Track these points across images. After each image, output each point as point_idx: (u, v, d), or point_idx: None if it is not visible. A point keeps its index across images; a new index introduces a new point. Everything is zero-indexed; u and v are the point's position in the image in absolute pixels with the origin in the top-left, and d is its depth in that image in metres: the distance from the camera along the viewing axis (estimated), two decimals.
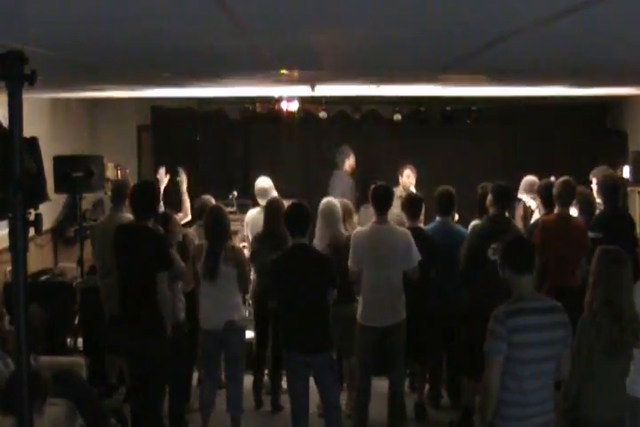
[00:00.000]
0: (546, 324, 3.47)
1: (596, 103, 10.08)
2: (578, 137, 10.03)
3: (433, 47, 3.46)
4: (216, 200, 6.51)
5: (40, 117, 7.27)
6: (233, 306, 5.33)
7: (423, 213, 6.22)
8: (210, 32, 2.86)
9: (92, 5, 2.25)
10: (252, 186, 6.91)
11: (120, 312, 5.16)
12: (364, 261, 5.26)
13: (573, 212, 6.09)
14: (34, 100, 6.87)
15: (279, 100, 9.54)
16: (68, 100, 8.21)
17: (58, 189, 6.74)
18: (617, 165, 8.12)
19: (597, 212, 6.13)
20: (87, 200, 7.50)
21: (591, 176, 6.75)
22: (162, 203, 6.81)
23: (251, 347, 6.24)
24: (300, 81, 5.72)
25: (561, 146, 9.98)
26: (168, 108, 10.20)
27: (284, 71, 4.68)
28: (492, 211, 5.56)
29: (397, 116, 10.00)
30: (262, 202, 6.42)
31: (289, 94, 9.02)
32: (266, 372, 6.21)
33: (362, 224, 6.09)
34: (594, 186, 6.46)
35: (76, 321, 6.73)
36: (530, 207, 6.85)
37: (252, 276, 6.05)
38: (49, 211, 6.82)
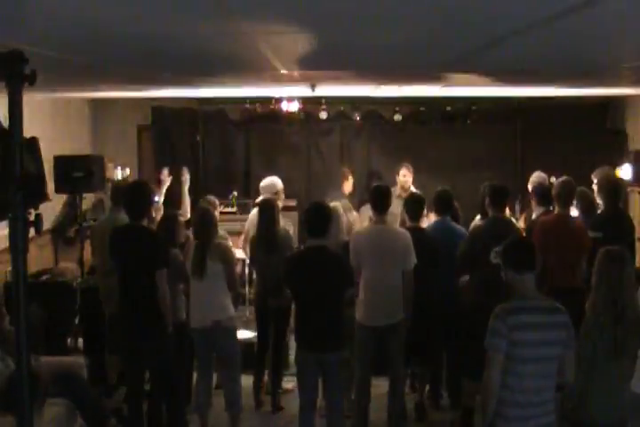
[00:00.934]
0: (546, 323, 3.46)
1: (596, 103, 10.08)
2: (578, 137, 10.02)
3: (433, 47, 3.46)
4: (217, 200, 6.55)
5: (40, 117, 7.26)
6: (220, 306, 5.32)
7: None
8: (210, 32, 2.86)
9: (92, 5, 2.25)
10: (252, 186, 6.93)
11: (120, 312, 5.16)
12: (362, 261, 5.26)
13: (574, 212, 6.11)
14: (34, 100, 6.87)
15: (279, 100, 9.54)
16: (68, 100, 8.21)
17: (58, 189, 6.73)
18: (617, 165, 8.12)
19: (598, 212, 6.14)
20: (87, 200, 7.50)
21: (592, 176, 6.76)
22: (164, 203, 6.85)
23: (251, 347, 6.24)
24: (301, 81, 5.72)
25: (561, 146, 9.97)
26: (168, 108, 10.20)
27: (284, 71, 4.68)
28: (490, 212, 5.56)
29: (397, 116, 10.01)
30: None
31: (289, 94, 9.02)
32: (266, 372, 6.21)
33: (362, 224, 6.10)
34: (594, 186, 6.46)
35: (76, 321, 6.73)
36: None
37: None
38: (49, 211, 6.82)
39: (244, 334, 6.68)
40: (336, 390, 4.93)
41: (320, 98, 9.28)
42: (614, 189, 6.04)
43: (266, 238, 5.89)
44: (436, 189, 6.18)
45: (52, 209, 7.14)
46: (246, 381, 5.85)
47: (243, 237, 6.70)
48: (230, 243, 6.13)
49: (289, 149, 10.53)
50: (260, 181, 7.05)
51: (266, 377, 6.22)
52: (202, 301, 5.33)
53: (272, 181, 6.82)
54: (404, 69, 4.90)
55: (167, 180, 6.98)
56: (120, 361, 5.64)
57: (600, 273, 4.00)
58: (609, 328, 3.87)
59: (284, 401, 6.08)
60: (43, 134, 2.85)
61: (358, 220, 6.90)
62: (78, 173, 6.81)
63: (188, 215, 6.62)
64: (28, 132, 2.31)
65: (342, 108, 10.27)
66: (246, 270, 7.51)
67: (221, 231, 6.03)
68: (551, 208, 5.94)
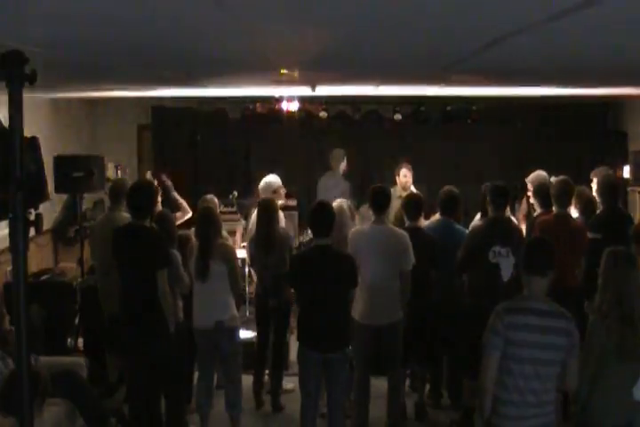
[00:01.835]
0: (544, 327, 3.45)
1: (596, 103, 10.08)
2: (578, 137, 10.03)
3: (433, 47, 3.46)
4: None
5: (40, 117, 7.26)
6: (222, 306, 5.31)
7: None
8: (210, 32, 2.86)
9: (92, 5, 2.25)
10: (252, 186, 6.92)
11: (121, 312, 5.16)
12: (361, 260, 5.26)
13: (574, 212, 6.10)
14: (34, 100, 6.87)
15: (279, 100, 9.55)
16: (68, 100, 8.21)
17: (58, 189, 6.73)
18: (617, 165, 8.12)
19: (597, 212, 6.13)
20: (87, 200, 7.50)
21: (592, 176, 6.76)
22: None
23: (251, 347, 6.24)
24: (301, 81, 5.72)
25: (561, 146, 9.98)
26: (168, 108, 10.21)
27: (284, 71, 4.68)
28: (490, 212, 5.56)
29: (397, 116, 10.02)
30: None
31: (289, 94, 9.02)
32: (267, 372, 6.21)
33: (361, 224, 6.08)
34: (594, 186, 6.46)
35: (76, 321, 6.72)
36: (534, 204, 6.83)
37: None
38: (49, 211, 6.82)
39: (244, 333, 6.67)
40: (338, 390, 4.93)
41: (320, 98, 9.29)
42: (613, 189, 6.03)
43: (265, 238, 5.88)
44: (442, 188, 6.13)
45: (52, 209, 7.14)
46: (246, 381, 5.84)
47: (238, 235, 6.67)
48: (231, 243, 6.11)
49: (289, 149, 10.53)
50: (260, 181, 7.04)
51: (266, 377, 6.22)
52: (205, 301, 5.32)
53: (269, 180, 6.77)
54: (404, 69, 4.90)
55: (169, 182, 6.93)
56: (120, 361, 5.64)
57: (606, 274, 3.96)
58: (616, 329, 3.83)
59: (285, 401, 6.08)
60: (43, 134, 2.85)
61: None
62: (78, 173, 6.82)
63: (190, 212, 6.57)
64: (28, 132, 2.31)
65: (342, 108, 10.28)
66: (246, 270, 7.51)
67: (222, 231, 6.01)
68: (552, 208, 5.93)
